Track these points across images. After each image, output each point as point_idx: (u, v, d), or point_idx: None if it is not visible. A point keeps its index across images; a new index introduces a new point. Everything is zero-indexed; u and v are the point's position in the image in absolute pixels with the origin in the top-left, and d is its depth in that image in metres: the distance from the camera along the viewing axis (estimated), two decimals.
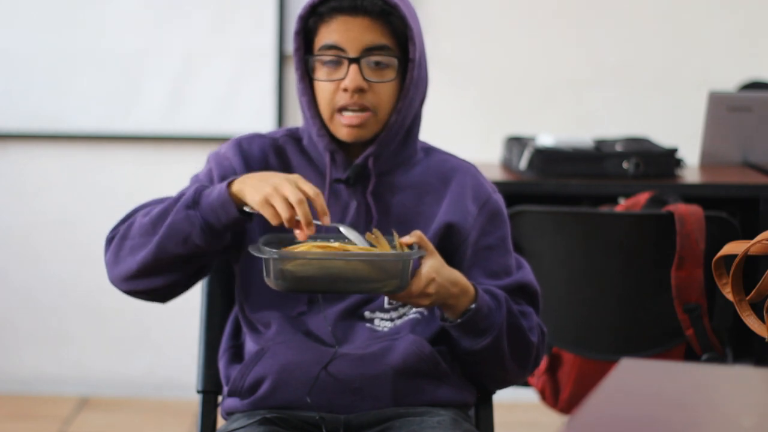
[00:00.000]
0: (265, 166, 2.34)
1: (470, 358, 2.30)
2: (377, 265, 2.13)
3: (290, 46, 4.59)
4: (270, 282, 2.14)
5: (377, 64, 2.28)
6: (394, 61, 2.28)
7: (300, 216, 2.14)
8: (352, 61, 2.26)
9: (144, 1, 4.61)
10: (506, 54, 4.67)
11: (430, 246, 2.21)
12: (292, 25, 4.60)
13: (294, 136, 2.39)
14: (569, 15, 4.66)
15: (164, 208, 2.25)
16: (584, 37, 4.66)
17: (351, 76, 2.26)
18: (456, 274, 2.23)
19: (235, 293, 2.40)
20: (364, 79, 2.27)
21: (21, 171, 4.71)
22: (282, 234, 2.21)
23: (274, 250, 2.12)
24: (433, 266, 2.18)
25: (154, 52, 4.63)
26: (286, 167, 2.35)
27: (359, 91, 2.27)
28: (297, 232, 2.16)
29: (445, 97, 4.47)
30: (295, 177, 2.19)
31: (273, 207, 2.15)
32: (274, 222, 2.15)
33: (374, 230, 2.18)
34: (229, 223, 2.21)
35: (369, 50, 2.27)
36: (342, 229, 2.22)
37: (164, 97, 4.64)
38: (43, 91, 4.64)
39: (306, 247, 2.15)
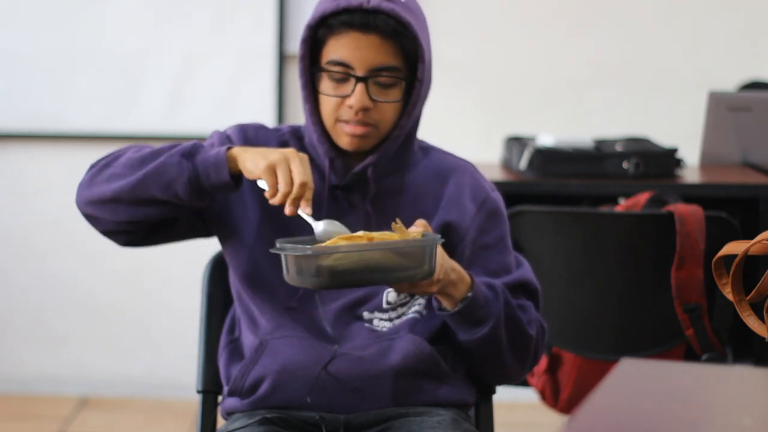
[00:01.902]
0: None
1: (469, 349, 2.30)
2: (411, 252, 2.11)
3: (290, 46, 4.63)
4: (299, 280, 2.10)
5: (384, 84, 2.26)
6: (401, 82, 2.27)
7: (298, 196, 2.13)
8: (359, 80, 2.24)
9: (144, 1, 4.61)
10: (506, 54, 4.67)
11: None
12: (292, 25, 4.67)
13: (297, 134, 2.39)
14: (569, 15, 4.66)
15: (157, 149, 2.25)
16: (584, 37, 4.66)
17: (357, 96, 2.24)
18: (453, 261, 2.23)
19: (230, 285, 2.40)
20: (370, 98, 2.25)
21: (21, 171, 4.71)
22: (293, 237, 2.18)
23: (308, 247, 2.08)
24: (439, 252, 2.17)
25: (154, 52, 4.63)
26: None
27: (364, 110, 2.26)
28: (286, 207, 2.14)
29: (445, 97, 4.46)
30: (303, 156, 2.18)
31: (275, 176, 2.15)
32: (270, 192, 2.14)
33: (397, 220, 2.16)
34: (216, 185, 2.20)
35: (377, 70, 2.25)
36: (322, 223, 2.18)
37: (164, 97, 4.64)
38: (43, 91, 4.64)
39: (332, 241, 2.10)
